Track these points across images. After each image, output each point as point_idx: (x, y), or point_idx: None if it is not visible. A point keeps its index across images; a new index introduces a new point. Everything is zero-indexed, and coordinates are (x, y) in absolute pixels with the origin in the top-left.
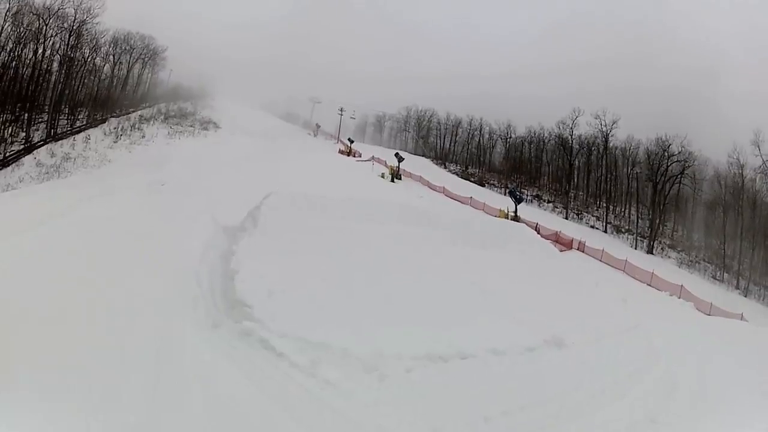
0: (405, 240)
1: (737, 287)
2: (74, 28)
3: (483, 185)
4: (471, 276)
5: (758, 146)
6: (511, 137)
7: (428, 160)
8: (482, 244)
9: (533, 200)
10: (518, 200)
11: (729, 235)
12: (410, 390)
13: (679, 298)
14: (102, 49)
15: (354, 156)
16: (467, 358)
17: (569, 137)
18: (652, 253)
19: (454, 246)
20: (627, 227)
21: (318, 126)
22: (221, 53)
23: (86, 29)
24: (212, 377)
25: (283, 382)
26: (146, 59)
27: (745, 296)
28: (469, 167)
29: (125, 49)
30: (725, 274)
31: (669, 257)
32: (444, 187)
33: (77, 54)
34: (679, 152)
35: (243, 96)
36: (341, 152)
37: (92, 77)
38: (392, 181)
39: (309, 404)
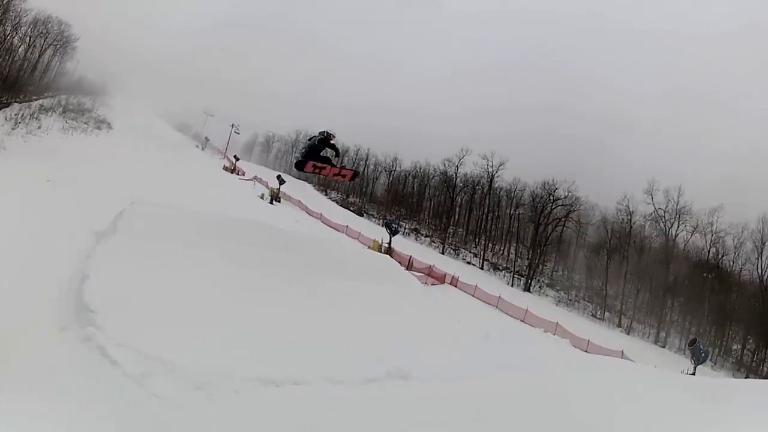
0: (266, 263)
1: (619, 325)
2: (3, 2)
3: (362, 215)
4: (323, 304)
5: (651, 195)
6: (395, 170)
7: (310, 185)
8: (344, 274)
9: (411, 233)
10: (393, 232)
11: (613, 277)
12: (238, 410)
13: (554, 334)
14: (22, 29)
15: (237, 174)
16: (301, 385)
17: (454, 175)
18: (529, 291)
19: (314, 273)
20: (505, 265)
21: (207, 139)
22: (134, 53)
23: (14, 5)
24: (46, 379)
25: (114, 391)
26: (58, 46)
27: (628, 334)
28: (351, 196)
29: (41, 32)
30: (606, 313)
31: (547, 295)
32: (321, 214)
33: None
34: (565, 197)
35: (143, 100)
36: (225, 168)
37: (7, 57)
38: (271, 202)
39: (136, 413)
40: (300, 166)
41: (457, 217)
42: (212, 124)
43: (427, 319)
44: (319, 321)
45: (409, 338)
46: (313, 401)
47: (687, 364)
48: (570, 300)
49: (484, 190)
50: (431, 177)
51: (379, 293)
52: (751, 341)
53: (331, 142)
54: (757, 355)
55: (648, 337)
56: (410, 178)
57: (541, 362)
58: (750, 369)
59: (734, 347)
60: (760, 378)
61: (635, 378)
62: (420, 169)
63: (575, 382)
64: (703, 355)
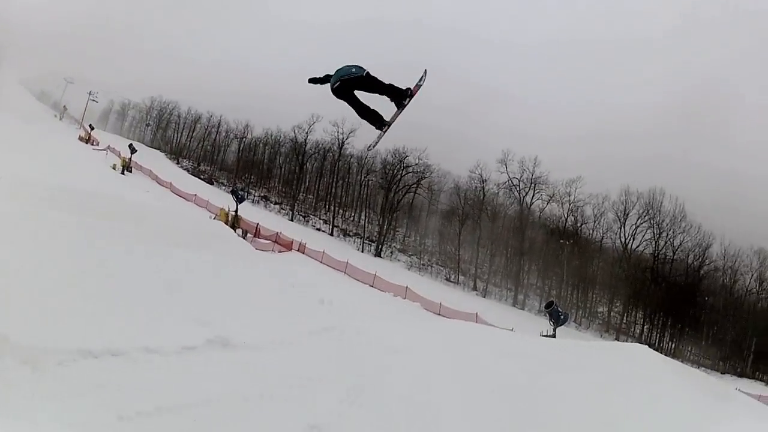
0: (104, 234)
1: (475, 289)
2: None
3: (212, 183)
4: (152, 273)
5: (505, 164)
6: (247, 137)
7: (163, 154)
8: (180, 243)
9: (261, 201)
10: (240, 200)
11: (466, 242)
12: (62, 384)
13: (404, 298)
14: None
15: (92, 144)
16: (118, 355)
17: (304, 142)
18: (380, 256)
19: (151, 243)
20: (355, 231)
21: (65, 108)
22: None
23: None
24: None
25: None
26: None
27: (484, 297)
28: (202, 164)
29: None
30: (461, 277)
31: (398, 260)
32: (171, 183)
33: None
34: (416, 164)
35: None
36: (81, 139)
37: None
38: (122, 173)
39: None
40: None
41: (307, 184)
42: (73, 92)
43: (261, 285)
44: (147, 290)
45: (237, 305)
46: (128, 372)
47: (547, 325)
48: (423, 265)
49: (335, 157)
50: (282, 144)
51: (211, 261)
52: (618, 304)
53: None
54: (626, 317)
55: (506, 300)
56: (261, 145)
57: (377, 324)
58: (620, 330)
59: (600, 309)
60: (630, 338)
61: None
62: (271, 136)
63: (401, 340)
64: (561, 317)
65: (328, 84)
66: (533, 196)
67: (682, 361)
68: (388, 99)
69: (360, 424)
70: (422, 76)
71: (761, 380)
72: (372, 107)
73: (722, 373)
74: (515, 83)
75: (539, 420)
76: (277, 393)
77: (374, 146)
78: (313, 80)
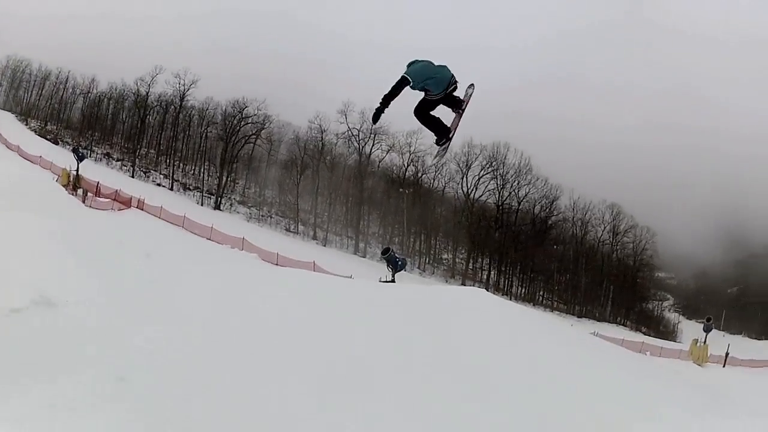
0: None
1: (315, 238)
2: None
3: (57, 143)
4: None
5: (345, 115)
6: (92, 92)
7: (12, 115)
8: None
9: (103, 158)
10: (80, 158)
11: (305, 192)
12: None
13: (242, 250)
14: None
15: None
16: None
17: (146, 95)
18: (219, 209)
19: None
20: (195, 185)
21: None
22: None
23: None
24: None
25: None
26: None
27: (325, 246)
28: (49, 124)
29: None
30: (300, 227)
31: (238, 212)
32: (18, 146)
33: None
34: (255, 114)
35: None
36: None
37: None
38: None
39: None
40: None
41: (148, 139)
42: None
43: (87, 242)
44: None
45: (60, 263)
46: None
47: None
48: (262, 216)
49: (176, 110)
50: (126, 98)
51: (35, 221)
52: (463, 251)
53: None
54: (472, 263)
55: (347, 249)
56: (106, 100)
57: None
58: (466, 276)
59: (445, 256)
60: (477, 284)
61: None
62: (116, 90)
63: (224, 288)
64: (399, 262)
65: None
66: (373, 146)
67: (533, 306)
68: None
69: (165, 374)
70: (471, 89)
71: (624, 325)
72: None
73: (579, 317)
74: (361, 32)
75: (353, 365)
76: (89, 349)
77: (442, 155)
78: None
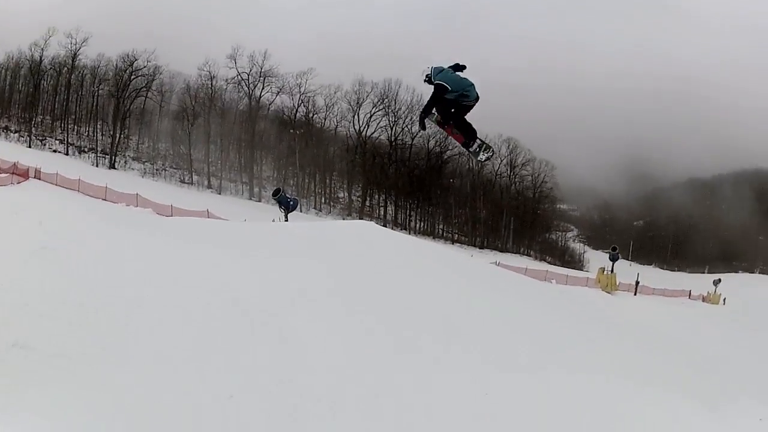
0: None
1: (209, 187)
2: None
3: None
4: None
5: (235, 60)
6: None
7: None
8: None
9: (1, 132)
10: None
11: (198, 141)
12: None
13: (137, 206)
14: None
15: None
16: None
17: (39, 59)
18: (114, 168)
19: None
20: (90, 146)
21: None
22: None
23: None
24: None
25: None
26: None
27: (220, 194)
28: None
29: None
30: (195, 177)
31: (133, 169)
32: None
33: None
34: (145, 67)
35: None
36: None
37: None
38: None
39: None
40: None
41: (44, 105)
42: None
43: None
44: None
45: None
46: None
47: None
48: (157, 170)
49: (69, 70)
50: (21, 66)
51: None
52: (358, 189)
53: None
54: (369, 200)
55: (242, 194)
56: (3, 71)
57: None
58: (363, 213)
59: (341, 195)
60: (375, 220)
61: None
62: (12, 58)
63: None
64: (291, 203)
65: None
66: (263, 89)
67: (434, 240)
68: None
69: (61, 336)
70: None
71: (528, 255)
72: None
73: (481, 248)
74: None
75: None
76: None
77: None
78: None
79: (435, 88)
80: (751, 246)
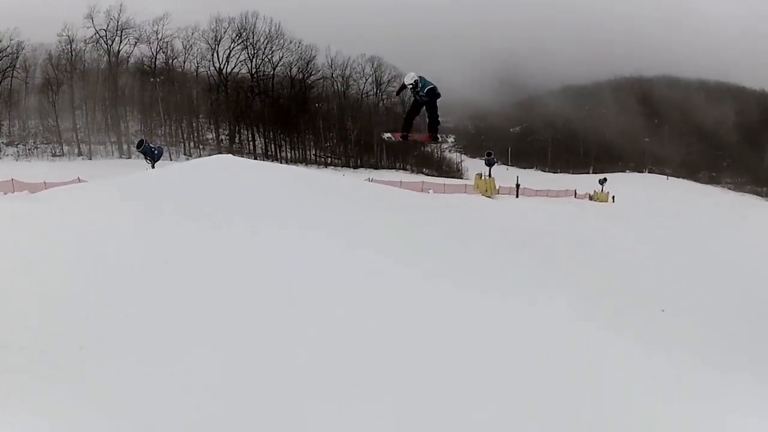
0: None
1: (80, 154)
2: None
3: None
4: None
5: (92, 19)
6: None
7: None
8: None
9: None
10: None
11: (64, 110)
12: None
13: (14, 192)
14: None
15: None
16: None
17: None
18: None
19: None
20: None
21: None
22: None
23: None
24: None
25: None
26: None
27: (91, 159)
28: None
29: None
30: (65, 147)
31: (7, 155)
32: None
33: None
34: (9, 46)
35: None
36: None
37: None
38: None
39: None
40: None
41: None
42: None
43: None
44: None
45: None
46: None
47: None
48: (29, 150)
49: None
50: None
51: None
52: (226, 127)
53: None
54: (238, 137)
55: (113, 155)
56: None
57: None
58: (233, 150)
59: (210, 136)
60: (247, 155)
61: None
62: None
63: None
64: (155, 152)
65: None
66: (121, 43)
67: (306, 166)
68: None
69: None
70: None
71: (404, 169)
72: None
73: (355, 168)
74: None
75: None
76: None
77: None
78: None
79: (435, 97)
80: (638, 147)
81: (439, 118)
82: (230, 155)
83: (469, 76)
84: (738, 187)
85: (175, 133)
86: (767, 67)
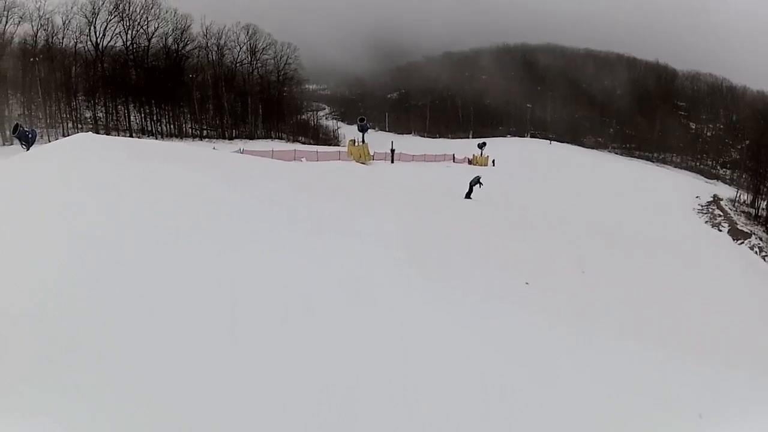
0: None
1: None
2: None
3: None
4: None
5: None
6: None
7: None
8: None
9: None
10: None
11: None
12: None
13: None
14: None
15: None
16: None
17: None
18: None
19: None
20: None
21: None
22: None
23: None
24: None
25: None
26: None
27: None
28: None
29: None
30: None
31: None
32: None
33: None
34: None
35: None
36: None
37: None
38: None
39: None
40: None
41: None
42: None
43: None
44: None
45: None
46: None
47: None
48: None
49: None
50: None
51: None
52: (100, 104)
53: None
54: (114, 114)
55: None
56: None
57: None
58: (110, 127)
59: (88, 115)
60: (123, 134)
61: None
62: None
63: None
64: (30, 135)
65: None
66: (7, 23)
67: (182, 140)
68: None
69: None
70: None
71: (280, 138)
72: None
73: (230, 139)
74: None
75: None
76: None
77: None
78: None
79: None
80: (521, 113)
81: None
82: (90, 133)
83: (346, 44)
84: (626, 153)
85: (55, 114)
86: (659, 38)
